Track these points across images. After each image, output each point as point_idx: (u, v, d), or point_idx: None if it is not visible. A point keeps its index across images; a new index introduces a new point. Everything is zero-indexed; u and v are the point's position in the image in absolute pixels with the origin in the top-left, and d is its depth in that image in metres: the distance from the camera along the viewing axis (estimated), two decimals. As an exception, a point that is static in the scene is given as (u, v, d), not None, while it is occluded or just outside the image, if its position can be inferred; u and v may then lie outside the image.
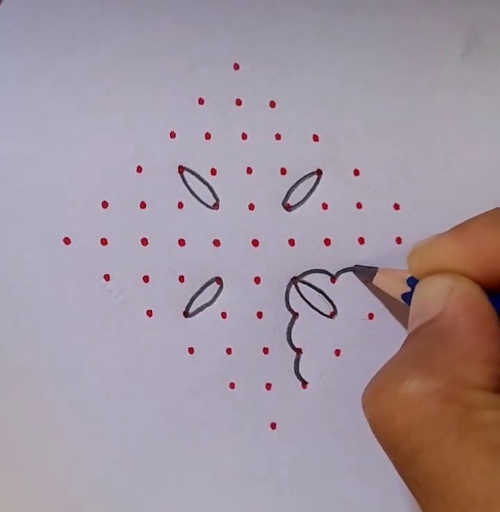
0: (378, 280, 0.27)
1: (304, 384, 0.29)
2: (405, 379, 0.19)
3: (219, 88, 0.29)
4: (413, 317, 0.22)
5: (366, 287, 0.29)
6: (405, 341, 0.21)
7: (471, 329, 0.20)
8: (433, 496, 0.18)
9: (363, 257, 0.29)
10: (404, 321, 0.28)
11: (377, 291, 0.28)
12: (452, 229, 0.22)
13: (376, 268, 0.27)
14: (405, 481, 0.20)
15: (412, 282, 0.24)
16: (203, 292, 0.29)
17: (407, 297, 0.24)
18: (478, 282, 0.21)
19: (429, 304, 0.21)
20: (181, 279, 0.29)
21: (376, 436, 0.20)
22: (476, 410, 0.18)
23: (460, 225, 0.22)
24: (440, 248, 0.22)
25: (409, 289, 0.24)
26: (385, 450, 0.20)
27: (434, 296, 0.21)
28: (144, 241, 0.29)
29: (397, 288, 0.25)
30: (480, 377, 0.19)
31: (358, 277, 0.28)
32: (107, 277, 0.29)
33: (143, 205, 0.29)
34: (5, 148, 0.29)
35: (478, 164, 0.29)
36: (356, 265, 0.28)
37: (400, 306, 0.26)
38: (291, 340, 0.29)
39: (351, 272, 0.29)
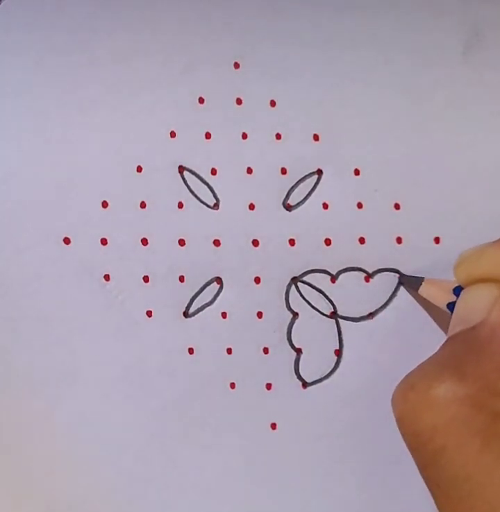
0: (424, 290, 0.27)
1: (304, 384, 0.29)
2: (437, 381, 0.19)
3: (219, 87, 0.29)
4: (455, 322, 0.22)
5: (365, 287, 0.29)
6: (443, 344, 0.21)
7: None
8: (452, 499, 0.18)
9: (363, 257, 0.29)
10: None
11: (421, 300, 0.28)
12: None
13: (422, 278, 0.27)
14: (425, 481, 0.20)
15: (459, 291, 0.24)
16: (203, 292, 0.29)
17: (451, 306, 0.24)
18: None
19: (472, 311, 0.21)
20: (181, 279, 0.29)
21: (401, 433, 0.20)
22: None
23: None
24: (487, 257, 0.22)
25: (455, 298, 0.24)
26: (409, 448, 0.20)
27: (478, 304, 0.21)
28: (144, 241, 0.29)
29: (442, 298, 0.25)
30: None
31: (403, 285, 0.28)
32: (107, 277, 0.29)
33: (143, 205, 0.29)
34: (5, 148, 0.29)
35: (478, 163, 0.29)
36: (401, 275, 0.29)
37: (441, 314, 0.26)
38: (291, 340, 0.29)
39: (351, 272, 0.29)
